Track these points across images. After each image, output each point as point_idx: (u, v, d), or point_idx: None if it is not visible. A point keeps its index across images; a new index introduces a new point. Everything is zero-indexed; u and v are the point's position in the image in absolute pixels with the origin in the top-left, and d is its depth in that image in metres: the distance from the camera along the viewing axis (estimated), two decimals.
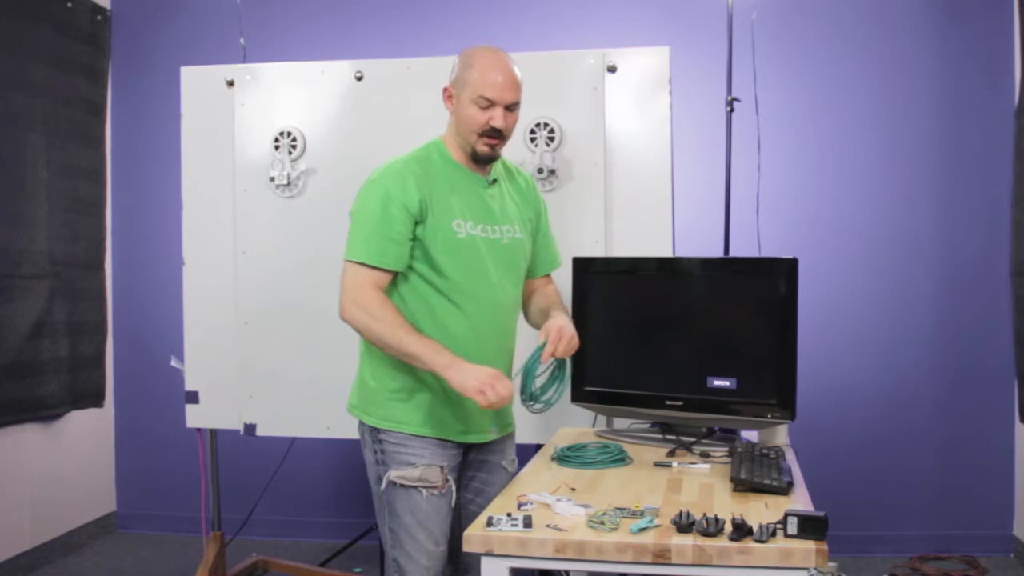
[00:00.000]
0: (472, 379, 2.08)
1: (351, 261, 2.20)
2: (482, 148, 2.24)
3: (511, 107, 2.24)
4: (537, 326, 2.39)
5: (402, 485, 2.20)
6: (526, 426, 2.95)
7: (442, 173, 2.26)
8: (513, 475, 2.35)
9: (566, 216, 2.97)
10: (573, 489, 2.03)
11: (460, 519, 2.30)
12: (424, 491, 2.20)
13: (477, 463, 2.37)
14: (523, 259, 2.40)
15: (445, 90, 2.29)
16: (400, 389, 2.25)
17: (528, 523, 1.77)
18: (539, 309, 2.42)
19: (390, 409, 2.26)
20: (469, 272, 2.24)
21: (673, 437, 2.50)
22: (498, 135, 2.24)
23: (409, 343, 2.13)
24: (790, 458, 2.28)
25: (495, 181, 2.34)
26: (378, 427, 2.26)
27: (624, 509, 1.84)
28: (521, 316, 2.46)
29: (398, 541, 2.22)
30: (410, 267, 2.22)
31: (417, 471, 2.21)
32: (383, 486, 2.23)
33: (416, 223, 2.20)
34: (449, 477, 2.25)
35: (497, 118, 2.21)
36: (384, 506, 2.24)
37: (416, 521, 2.20)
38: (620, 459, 2.30)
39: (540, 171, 3.00)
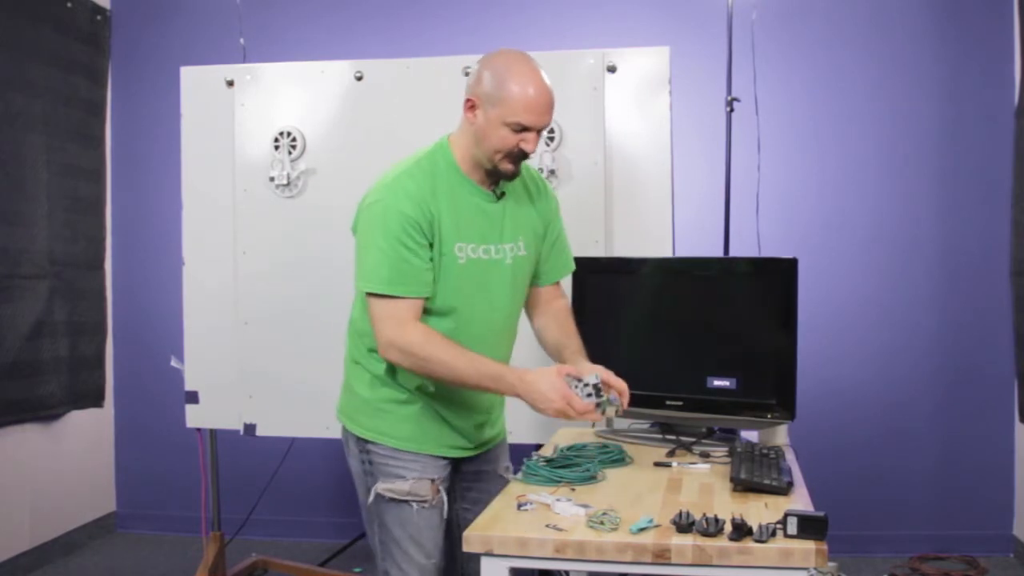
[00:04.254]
0: (551, 401, 1.97)
1: (382, 295, 2.01)
2: (506, 167, 2.06)
3: (542, 129, 2.07)
4: (554, 359, 2.27)
5: (391, 498, 2.12)
6: (526, 426, 2.95)
7: (446, 187, 2.07)
8: (510, 481, 2.28)
9: (566, 216, 2.93)
10: (573, 489, 2.03)
11: (459, 531, 2.17)
12: (415, 504, 2.12)
13: (472, 474, 2.29)
14: (526, 277, 2.25)
15: (468, 100, 2.05)
16: (388, 400, 2.15)
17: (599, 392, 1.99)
18: (555, 346, 2.28)
19: (378, 420, 2.16)
20: (466, 299, 2.10)
21: (673, 437, 2.50)
22: (524, 156, 2.07)
23: (467, 377, 2.02)
24: (790, 458, 2.28)
25: (503, 195, 2.16)
26: (365, 438, 2.17)
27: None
28: (519, 328, 2.32)
29: (388, 554, 2.15)
30: None
31: (407, 484, 2.11)
32: (371, 498, 2.15)
33: (429, 245, 2.05)
34: (440, 488, 2.16)
35: (529, 142, 2.03)
36: (373, 517, 2.17)
37: (407, 535, 2.12)
38: (620, 459, 2.30)
39: (540, 171, 2.99)
